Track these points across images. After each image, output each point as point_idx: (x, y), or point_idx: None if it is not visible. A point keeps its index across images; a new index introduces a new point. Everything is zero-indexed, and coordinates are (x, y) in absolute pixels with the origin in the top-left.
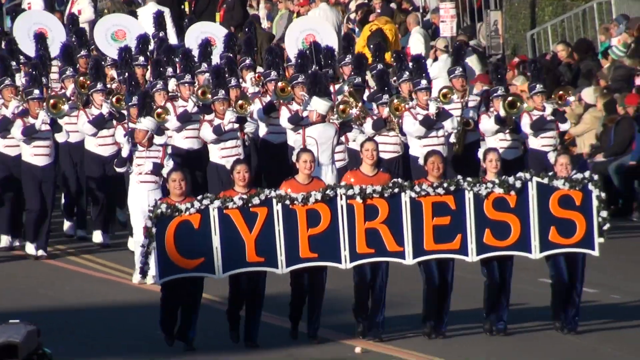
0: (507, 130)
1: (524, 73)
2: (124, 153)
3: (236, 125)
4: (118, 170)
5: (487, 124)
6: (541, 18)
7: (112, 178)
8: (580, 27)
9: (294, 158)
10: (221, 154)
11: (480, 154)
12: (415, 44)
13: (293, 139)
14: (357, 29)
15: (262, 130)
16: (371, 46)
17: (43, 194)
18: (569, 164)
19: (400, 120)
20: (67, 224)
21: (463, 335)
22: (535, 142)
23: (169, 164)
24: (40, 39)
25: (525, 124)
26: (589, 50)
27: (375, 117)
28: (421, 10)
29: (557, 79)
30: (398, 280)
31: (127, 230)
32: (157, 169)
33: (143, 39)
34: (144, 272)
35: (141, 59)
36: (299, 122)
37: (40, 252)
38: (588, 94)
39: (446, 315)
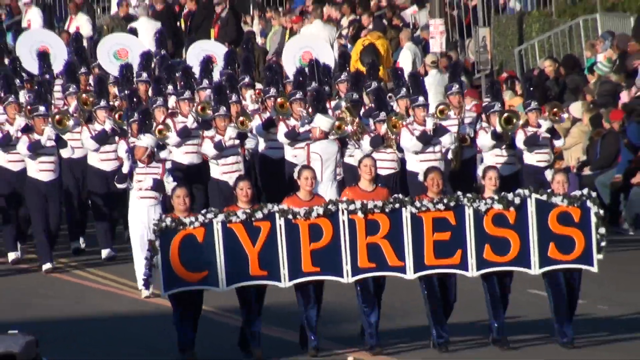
0: (504, 146)
1: (512, 88)
2: (124, 169)
3: (237, 141)
4: (119, 186)
5: (484, 139)
6: (528, 34)
7: (115, 193)
8: (567, 43)
9: (295, 175)
10: (222, 170)
11: (479, 172)
12: (405, 60)
13: (291, 153)
14: (349, 45)
15: (261, 145)
16: (366, 62)
17: (48, 209)
18: (565, 181)
19: (397, 137)
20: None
21: (464, 348)
22: (530, 158)
23: (168, 180)
24: (43, 56)
25: (520, 139)
26: (576, 65)
27: (372, 134)
28: (411, 27)
29: (545, 94)
30: (398, 291)
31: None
32: (157, 185)
33: (146, 56)
34: (147, 284)
35: (144, 75)
36: (295, 137)
37: (47, 266)
38: (575, 108)
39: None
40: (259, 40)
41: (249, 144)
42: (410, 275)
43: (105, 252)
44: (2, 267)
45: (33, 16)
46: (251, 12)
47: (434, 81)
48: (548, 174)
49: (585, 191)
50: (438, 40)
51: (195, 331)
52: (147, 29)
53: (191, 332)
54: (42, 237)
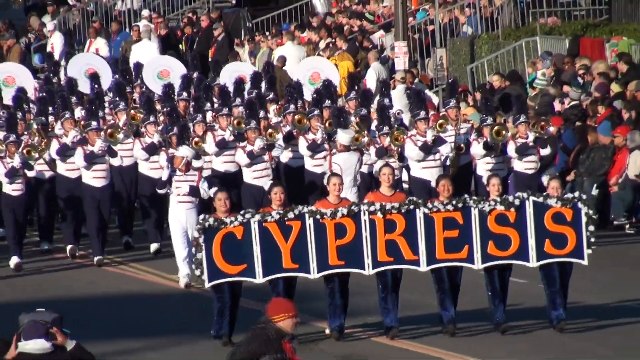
0: (494, 154)
1: (466, 100)
2: (164, 177)
3: (265, 151)
4: (159, 191)
5: (476, 149)
6: (479, 54)
7: (161, 196)
8: (512, 62)
9: (324, 181)
10: (253, 176)
11: (484, 180)
12: (370, 78)
13: (311, 163)
14: None
15: (284, 155)
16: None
17: (101, 211)
18: (559, 187)
19: (399, 149)
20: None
21: (469, 335)
22: (520, 165)
23: (203, 187)
24: (94, 78)
25: (511, 149)
26: (518, 79)
27: (377, 146)
28: (379, 48)
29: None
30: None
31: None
32: (193, 191)
33: (187, 78)
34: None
35: (184, 94)
36: (316, 149)
37: (98, 258)
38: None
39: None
40: (249, 60)
41: (276, 152)
42: (423, 267)
43: (153, 247)
44: (55, 262)
45: (56, 40)
46: (243, 36)
47: (399, 94)
48: (545, 180)
49: (576, 194)
50: (402, 60)
51: (234, 319)
52: (148, 49)
53: (228, 321)
54: (95, 234)
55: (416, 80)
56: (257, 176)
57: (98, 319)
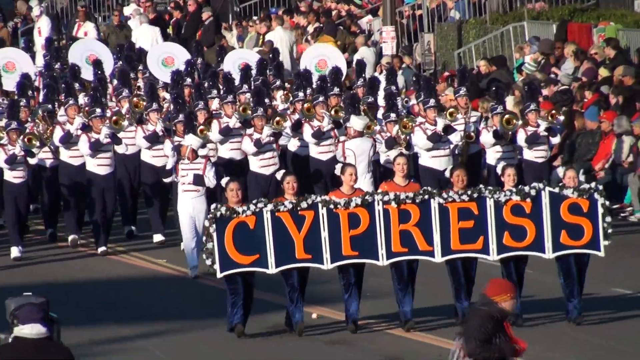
0: (504, 143)
1: (452, 85)
2: (169, 165)
3: (272, 139)
4: (165, 180)
5: (486, 137)
6: (466, 39)
7: (164, 184)
8: (499, 47)
9: (337, 171)
10: (260, 164)
11: (499, 170)
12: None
13: (316, 151)
14: None
15: (292, 143)
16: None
17: (105, 199)
18: (575, 177)
19: (407, 137)
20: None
21: None
22: (529, 154)
23: (209, 175)
24: (97, 64)
25: (521, 138)
26: (504, 63)
27: (385, 136)
28: (367, 33)
29: (479, 89)
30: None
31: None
32: (197, 180)
33: (190, 64)
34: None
35: (188, 80)
36: (320, 136)
37: (102, 249)
38: (508, 102)
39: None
40: (237, 44)
41: (283, 141)
42: (438, 258)
43: (157, 237)
44: (57, 251)
45: (42, 24)
46: (230, 21)
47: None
48: (560, 171)
49: (593, 185)
50: (390, 45)
51: (248, 311)
52: (147, 34)
53: (242, 313)
54: (99, 223)
55: (403, 66)
56: (264, 164)
57: (88, 304)
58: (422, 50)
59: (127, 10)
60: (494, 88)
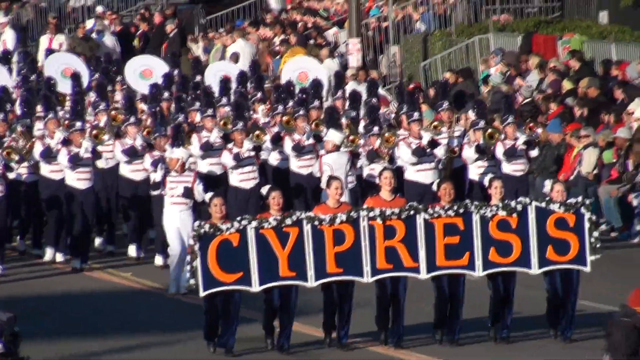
0: (485, 158)
1: (419, 98)
2: (157, 178)
3: (252, 153)
4: (153, 193)
5: (467, 152)
6: (432, 51)
7: (143, 198)
8: (465, 59)
9: (323, 185)
10: (240, 178)
11: (486, 182)
12: (322, 75)
13: (296, 165)
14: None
15: (272, 157)
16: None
17: (84, 214)
18: (563, 190)
19: (389, 150)
20: (97, 240)
21: (470, 342)
22: (508, 168)
23: (198, 189)
24: (75, 77)
25: (500, 151)
26: (470, 75)
27: (367, 149)
28: (333, 45)
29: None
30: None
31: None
32: (187, 192)
33: (168, 77)
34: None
35: (166, 94)
36: (301, 150)
37: (77, 264)
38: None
39: (457, 325)
40: (203, 56)
41: (264, 155)
42: (423, 275)
43: (132, 251)
44: (35, 268)
45: (8, 36)
46: (196, 33)
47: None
48: (547, 184)
49: (579, 199)
50: (355, 57)
51: (217, 330)
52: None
53: (215, 330)
54: (76, 238)
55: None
56: (243, 178)
57: (60, 318)
58: (387, 62)
59: (90, 23)
60: (476, 104)
